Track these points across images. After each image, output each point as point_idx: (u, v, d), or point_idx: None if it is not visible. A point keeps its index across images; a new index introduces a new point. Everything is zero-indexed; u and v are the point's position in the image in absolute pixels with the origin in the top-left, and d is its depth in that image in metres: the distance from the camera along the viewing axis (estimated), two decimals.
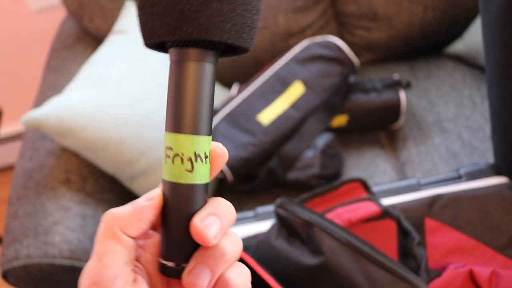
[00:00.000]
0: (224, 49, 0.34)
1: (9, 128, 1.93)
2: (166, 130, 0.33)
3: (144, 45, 0.34)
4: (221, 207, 0.34)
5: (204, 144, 0.33)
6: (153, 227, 0.36)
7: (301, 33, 1.38)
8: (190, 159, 0.32)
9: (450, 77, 1.36)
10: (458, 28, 1.40)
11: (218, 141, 1.12)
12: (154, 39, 0.32)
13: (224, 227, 0.33)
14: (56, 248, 0.93)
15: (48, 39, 1.57)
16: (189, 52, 0.32)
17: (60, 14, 1.59)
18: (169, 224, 0.34)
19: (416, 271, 0.66)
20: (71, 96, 1.04)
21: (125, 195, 1.14)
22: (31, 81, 1.68)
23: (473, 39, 1.35)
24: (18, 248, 0.92)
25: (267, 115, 1.14)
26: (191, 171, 0.32)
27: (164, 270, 0.34)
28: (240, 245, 0.34)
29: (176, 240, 0.33)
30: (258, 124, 1.13)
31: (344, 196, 0.77)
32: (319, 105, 1.17)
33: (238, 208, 1.12)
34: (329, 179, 1.13)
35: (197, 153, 0.32)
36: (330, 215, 0.72)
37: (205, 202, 0.34)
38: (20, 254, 0.91)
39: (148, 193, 0.34)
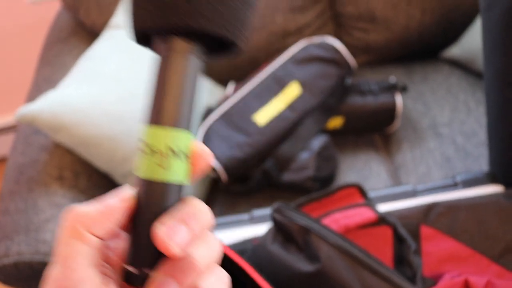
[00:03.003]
0: (213, 46, 0.32)
1: (1, 119, 1.91)
2: (144, 123, 0.31)
3: (133, 40, 0.33)
4: (192, 210, 0.30)
5: (182, 139, 0.31)
6: (124, 227, 0.32)
7: (298, 33, 1.37)
8: (165, 154, 0.30)
9: (446, 81, 1.36)
10: (454, 32, 1.41)
11: (213, 141, 1.11)
12: (139, 29, 0.31)
13: (194, 234, 0.30)
14: (47, 245, 0.92)
15: (43, 31, 1.55)
16: (173, 42, 0.30)
17: (55, 6, 1.57)
18: (136, 227, 0.31)
19: (412, 279, 0.66)
20: (65, 91, 1.03)
21: None
22: (25, 73, 1.66)
23: (469, 43, 1.35)
24: (9, 245, 0.91)
25: (263, 116, 1.13)
26: (165, 167, 0.30)
27: (126, 277, 0.31)
28: (216, 251, 0.31)
29: (141, 244, 0.30)
30: (254, 124, 1.12)
31: (341, 201, 0.77)
32: (315, 107, 1.16)
33: (232, 209, 1.11)
34: (323, 182, 1.13)
35: (173, 149, 0.30)
36: (326, 221, 0.71)
37: (174, 203, 0.31)
38: (10, 251, 0.90)
39: (120, 191, 0.31)
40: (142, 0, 0.30)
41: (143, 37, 0.32)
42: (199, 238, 0.30)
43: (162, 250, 0.29)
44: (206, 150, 0.32)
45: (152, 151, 0.30)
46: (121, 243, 0.32)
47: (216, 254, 0.31)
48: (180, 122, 0.30)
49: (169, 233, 0.29)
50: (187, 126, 0.31)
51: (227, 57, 0.34)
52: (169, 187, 0.30)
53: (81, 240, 0.29)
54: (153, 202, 0.30)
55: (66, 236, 0.29)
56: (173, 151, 0.30)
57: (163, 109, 0.30)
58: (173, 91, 0.30)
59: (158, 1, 0.29)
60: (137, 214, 0.31)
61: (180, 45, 0.30)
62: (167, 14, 0.29)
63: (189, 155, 0.31)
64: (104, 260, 0.31)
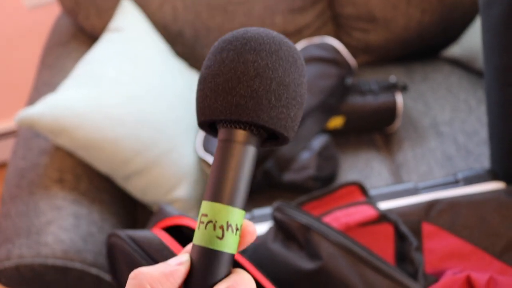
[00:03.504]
0: (266, 137, 0.38)
1: (2, 125, 1.91)
2: (204, 199, 0.36)
3: (198, 124, 0.38)
4: (242, 280, 0.35)
5: (237, 216, 0.35)
6: None
7: (298, 34, 1.37)
8: (222, 227, 0.34)
9: (446, 80, 1.36)
10: (454, 32, 1.41)
11: (213, 142, 1.11)
12: (209, 117, 0.36)
13: None
14: (49, 248, 0.92)
15: (43, 36, 1.55)
16: (237, 133, 0.36)
17: (55, 11, 1.57)
18: None
19: (414, 276, 0.65)
20: (65, 94, 1.03)
21: (119, 195, 1.13)
22: (25, 78, 1.67)
23: (469, 43, 1.35)
24: (10, 248, 0.91)
25: None
26: (221, 238, 0.34)
27: None
28: None
29: None
30: None
31: (342, 200, 0.77)
32: (315, 107, 1.16)
33: None
34: (324, 181, 1.12)
35: (229, 223, 0.35)
36: (327, 219, 0.71)
37: (229, 273, 0.35)
38: (12, 254, 0.90)
39: (178, 257, 0.35)
40: (215, 93, 0.35)
41: (208, 123, 0.38)
42: None
43: None
44: (253, 227, 0.37)
45: (212, 224, 0.35)
46: None
47: None
48: (237, 201, 0.35)
49: None
50: (242, 205, 0.36)
51: (275, 145, 0.40)
52: (223, 256, 0.35)
53: None
54: (209, 268, 0.35)
55: None
56: (228, 225, 0.35)
57: (224, 190, 0.35)
58: (233, 175, 0.35)
59: (230, 98, 0.35)
60: (191, 278, 0.35)
61: (243, 135, 0.36)
62: (237, 110, 0.35)
63: (240, 229, 0.36)
64: None
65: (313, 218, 0.66)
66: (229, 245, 0.35)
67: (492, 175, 0.82)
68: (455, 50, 1.39)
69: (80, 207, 1.01)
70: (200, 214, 0.36)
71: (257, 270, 0.61)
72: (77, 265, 0.93)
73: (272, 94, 0.35)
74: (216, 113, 0.36)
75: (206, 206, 0.35)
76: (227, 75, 0.35)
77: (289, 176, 1.10)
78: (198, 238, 0.35)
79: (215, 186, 0.35)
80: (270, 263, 0.66)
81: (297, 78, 0.37)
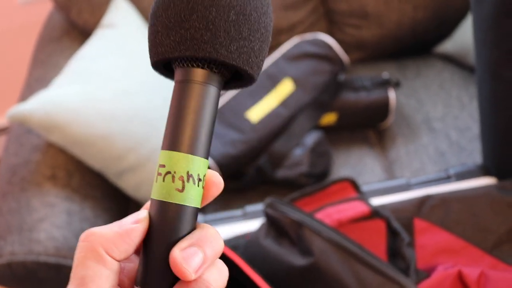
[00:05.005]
0: (229, 77, 0.34)
1: None
2: (162, 148, 0.32)
3: (152, 66, 0.34)
4: (207, 236, 0.31)
5: (199, 165, 0.32)
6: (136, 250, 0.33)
7: (290, 30, 1.37)
8: (181, 178, 0.31)
9: (438, 76, 1.36)
10: (447, 28, 1.41)
11: None
12: (161, 56, 0.32)
13: (208, 259, 0.30)
14: (41, 245, 0.91)
15: (35, 32, 1.54)
16: (195, 72, 0.32)
17: (47, 6, 1.56)
18: (150, 249, 0.31)
19: (406, 272, 0.66)
20: (57, 90, 1.02)
21: (112, 192, 1.12)
22: (17, 74, 1.66)
23: (462, 39, 1.35)
24: (2, 245, 0.90)
25: (256, 113, 1.13)
26: (181, 190, 0.31)
27: None
28: (226, 276, 0.32)
29: (154, 268, 0.31)
30: (247, 121, 1.12)
31: (334, 196, 0.77)
32: (308, 103, 1.16)
33: (226, 206, 1.11)
34: (317, 178, 1.12)
35: (189, 173, 0.31)
36: (319, 215, 0.71)
37: (193, 229, 0.32)
38: (3, 251, 0.90)
39: (134, 214, 0.31)
40: (167, 28, 0.31)
41: (162, 64, 0.34)
42: (212, 263, 0.31)
43: (178, 273, 0.29)
44: (218, 178, 0.33)
45: (170, 175, 0.31)
46: (131, 265, 0.33)
47: (226, 279, 0.32)
48: (199, 149, 0.32)
49: (186, 257, 0.29)
50: (204, 153, 0.32)
51: (240, 87, 0.36)
52: (185, 210, 0.31)
53: (102, 263, 0.29)
54: (169, 224, 0.31)
55: (85, 258, 0.29)
56: (191, 176, 0.31)
57: (183, 136, 0.31)
58: (193, 119, 0.31)
59: (184, 31, 0.31)
60: (150, 236, 0.31)
61: (202, 74, 0.32)
62: (192, 45, 0.31)
63: (203, 181, 0.32)
64: (118, 282, 0.31)
65: (305, 214, 0.66)
66: (191, 198, 0.31)
67: (483, 170, 0.82)
68: (448, 46, 1.39)
69: (72, 203, 1.00)
70: (157, 166, 0.32)
71: (249, 266, 0.61)
72: (70, 262, 0.93)
73: (231, 25, 0.31)
74: (169, 51, 0.31)
75: (163, 155, 0.32)
76: (180, 6, 0.31)
77: (282, 173, 1.10)
78: (156, 192, 0.31)
79: (173, 133, 0.32)
80: (262, 259, 0.66)
81: (259, 7, 0.32)
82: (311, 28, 1.39)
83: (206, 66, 0.32)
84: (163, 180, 0.31)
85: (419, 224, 0.74)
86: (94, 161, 1.04)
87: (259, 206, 0.81)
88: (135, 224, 0.31)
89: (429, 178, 0.83)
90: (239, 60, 0.32)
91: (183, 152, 0.31)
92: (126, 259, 0.32)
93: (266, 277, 0.62)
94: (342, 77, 1.23)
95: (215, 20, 0.31)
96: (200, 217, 0.85)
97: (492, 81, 0.80)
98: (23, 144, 1.07)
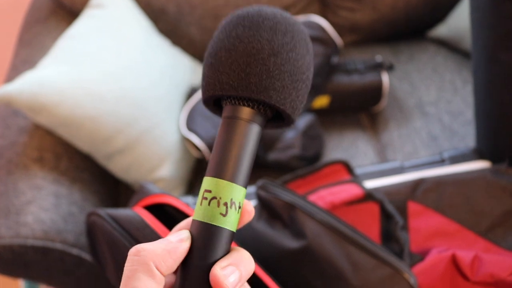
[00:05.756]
0: (271, 117, 0.38)
1: None
2: (207, 175, 0.35)
3: (203, 101, 0.38)
4: (242, 258, 0.35)
5: (240, 194, 0.35)
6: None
7: None
8: (226, 204, 0.34)
9: (432, 60, 1.35)
10: (441, 12, 1.39)
11: (197, 120, 1.09)
12: (220, 92, 0.35)
13: (243, 278, 0.34)
14: (29, 228, 0.90)
15: (21, 12, 1.50)
16: (244, 110, 0.36)
17: None
18: (190, 265, 0.34)
19: (399, 255, 0.65)
20: (45, 71, 1.00)
21: (100, 174, 1.10)
22: (2, 55, 1.62)
23: (456, 23, 1.34)
24: None
25: None
26: (224, 215, 0.34)
27: None
28: None
29: (193, 284, 0.34)
30: None
31: (327, 178, 0.76)
32: None
33: None
34: (309, 161, 1.11)
35: (233, 200, 0.35)
36: (312, 197, 0.70)
37: (228, 251, 0.35)
38: None
39: (178, 233, 0.35)
40: (225, 66, 0.35)
41: (214, 101, 0.38)
42: (244, 282, 0.35)
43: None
44: (251, 207, 0.37)
45: (216, 200, 0.34)
46: (167, 280, 0.36)
47: None
48: (240, 179, 0.35)
49: (226, 274, 0.33)
50: (245, 183, 0.36)
51: (279, 127, 0.40)
52: (225, 233, 0.35)
53: (152, 276, 0.32)
54: (211, 245, 0.34)
55: (137, 270, 0.32)
56: (233, 203, 0.35)
57: (228, 167, 0.35)
58: (238, 153, 0.35)
59: (240, 72, 0.35)
60: (192, 254, 0.35)
61: (248, 113, 0.36)
62: (251, 87, 0.35)
63: (241, 207, 0.36)
64: None
65: (297, 197, 0.65)
66: (231, 223, 0.35)
67: (478, 154, 0.81)
68: (442, 30, 1.38)
69: (60, 186, 0.98)
70: (202, 190, 0.35)
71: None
72: (58, 246, 0.91)
73: (286, 75, 0.35)
74: (227, 89, 0.35)
75: (210, 182, 0.35)
76: (243, 51, 0.35)
77: (274, 155, 1.09)
78: (200, 214, 0.35)
79: (220, 162, 0.35)
80: (254, 242, 0.65)
81: (308, 61, 0.37)
82: (304, 10, 1.37)
83: (255, 106, 0.36)
84: (209, 204, 0.35)
85: (413, 207, 0.73)
86: (82, 143, 1.02)
87: (251, 188, 0.80)
88: (180, 243, 0.34)
89: (423, 161, 0.82)
90: (286, 105, 0.36)
91: (229, 181, 0.35)
92: (169, 274, 0.35)
93: (259, 260, 0.61)
94: (335, 59, 1.22)
95: (273, 69, 0.35)
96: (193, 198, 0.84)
97: (489, 64, 0.79)
98: (9, 125, 1.05)
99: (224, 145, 0.35)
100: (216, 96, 0.36)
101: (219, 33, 0.37)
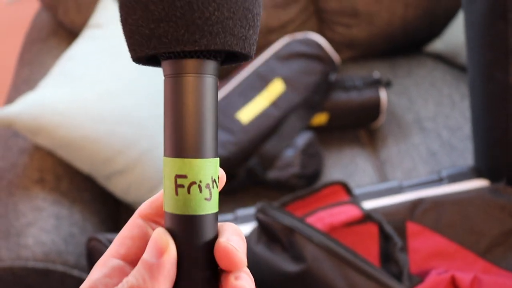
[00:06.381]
0: (223, 58, 0.30)
1: None
2: (171, 155, 0.28)
3: (133, 60, 0.30)
4: (235, 228, 0.30)
5: (217, 166, 0.29)
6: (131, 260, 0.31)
7: (281, 29, 1.36)
8: (207, 186, 0.28)
9: (430, 75, 1.36)
10: (438, 27, 1.40)
11: None
12: (145, 52, 0.28)
13: (245, 251, 0.29)
14: (29, 250, 0.90)
15: (21, 31, 1.52)
16: (186, 63, 0.27)
17: (34, 6, 1.55)
18: (186, 267, 0.28)
19: (398, 277, 0.65)
20: (44, 92, 1.01)
21: (101, 195, 1.11)
22: (3, 75, 1.64)
23: (452, 38, 1.35)
24: None
25: (247, 113, 1.12)
26: (209, 199, 0.28)
27: None
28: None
29: (190, 284, 0.28)
30: (238, 122, 1.11)
31: (326, 199, 0.76)
32: (299, 103, 1.15)
33: None
34: (309, 179, 1.12)
35: (213, 178, 0.28)
36: (311, 219, 0.71)
37: (216, 233, 0.29)
38: None
39: (153, 244, 0.28)
40: (152, 20, 0.27)
41: (148, 58, 0.30)
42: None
43: (230, 261, 0.28)
44: (222, 172, 0.31)
45: (196, 185, 0.28)
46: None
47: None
48: (216, 147, 0.28)
49: (235, 245, 0.28)
50: (217, 152, 0.29)
51: (235, 62, 0.32)
52: (213, 217, 0.29)
53: None
54: (196, 236, 0.28)
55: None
56: (214, 181, 0.28)
57: (204, 139, 0.28)
58: (204, 118, 0.28)
59: (173, 20, 0.26)
60: (184, 255, 0.28)
61: (194, 66, 0.28)
62: (182, 35, 0.27)
63: (218, 180, 0.29)
64: None
65: (296, 220, 0.66)
66: (215, 203, 0.29)
67: (476, 172, 0.82)
68: (438, 45, 1.39)
69: (61, 207, 0.99)
70: (172, 176, 0.28)
71: None
72: (59, 267, 0.91)
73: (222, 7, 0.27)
74: (163, 45, 0.27)
75: (180, 164, 0.27)
76: None
77: (273, 174, 1.09)
78: (180, 207, 0.28)
79: (181, 137, 0.27)
80: (254, 265, 0.65)
81: None
82: (301, 27, 1.38)
83: (198, 55, 0.28)
84: (189, 192, 0.27)
85: (411, 227, 0.73)
86: (83, 164, 1.02)
87: (250, 210, 0.80)
88: (162, 258, 0.27)
89: (421, 180, 0.82)
90: (239, 45, 0.28)
91: (209, 158, 0.28)
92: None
93: (258, 284, 0.61)
94: (333, 77, 1.23)
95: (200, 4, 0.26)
96: None
97: (484, 83, 0.80)
98: (10, 147, 1.06)
99: (177, 113, 0.27)
100: (146, 56, 0.29)
101: None
